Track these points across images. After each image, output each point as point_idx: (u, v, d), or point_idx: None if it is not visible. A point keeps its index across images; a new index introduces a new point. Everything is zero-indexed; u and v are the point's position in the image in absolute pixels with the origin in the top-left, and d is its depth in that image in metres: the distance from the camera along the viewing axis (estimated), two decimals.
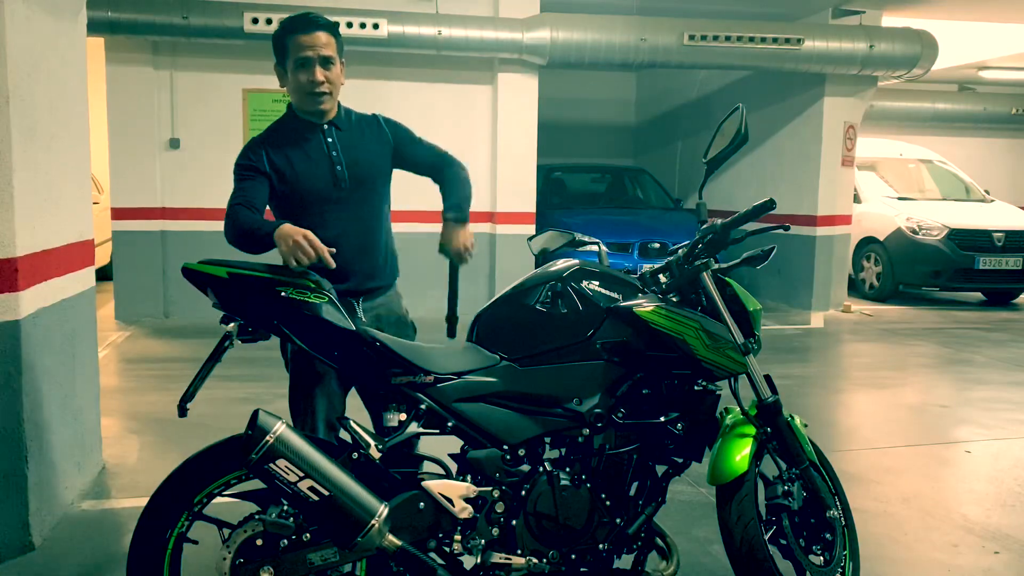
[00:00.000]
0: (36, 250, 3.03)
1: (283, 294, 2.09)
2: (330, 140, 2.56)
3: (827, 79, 8.82)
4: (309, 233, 2.19)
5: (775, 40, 8.01)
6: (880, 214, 10.02)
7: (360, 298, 2.60)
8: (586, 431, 2.32)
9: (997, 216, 9.98)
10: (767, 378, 2.44)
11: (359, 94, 8.00)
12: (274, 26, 7.08)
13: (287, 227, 2.22)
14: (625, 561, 2.41)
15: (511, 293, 2.41)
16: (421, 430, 2.23)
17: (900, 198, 10.35)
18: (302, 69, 2.48)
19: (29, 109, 2.98)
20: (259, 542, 2.08)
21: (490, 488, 2.24)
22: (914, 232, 9.59)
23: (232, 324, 2.10)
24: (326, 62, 2.49)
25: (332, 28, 2.54)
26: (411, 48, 7.57)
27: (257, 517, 2.10)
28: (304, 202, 2.52)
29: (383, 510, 2.03)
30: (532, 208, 8.32)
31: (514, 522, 2.26)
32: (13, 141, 2.83)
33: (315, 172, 2.52)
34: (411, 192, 8.04)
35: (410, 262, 7.98)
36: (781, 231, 2.63)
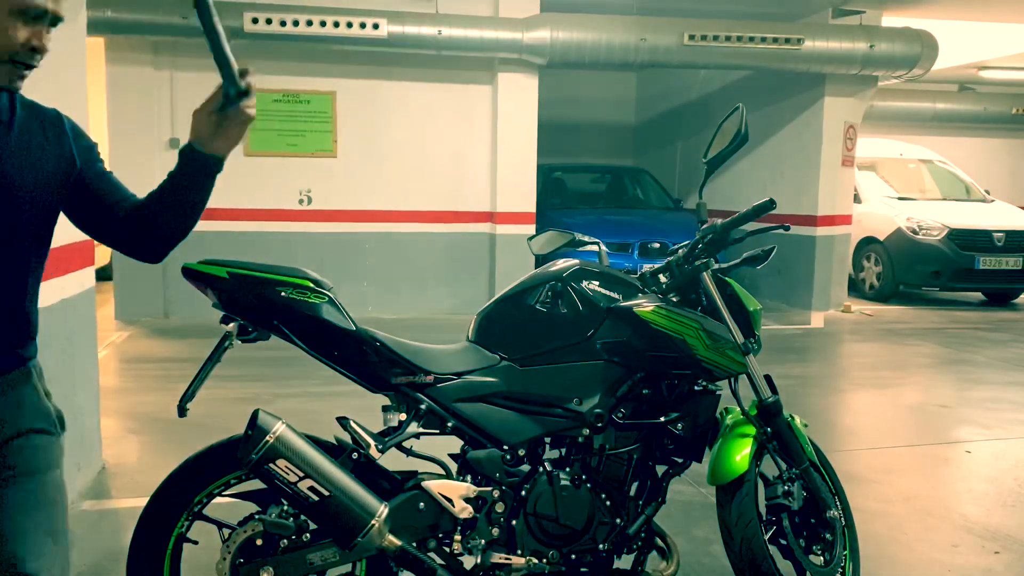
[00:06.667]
0: None
1: (283, 294, 2.09)
2: (13, 131, 1.58)
3: (827, 79, 8.82)
4: None
5: (775, 40, 8.01)
6: (880, 214, 10.02)
7: None
8: (586, 431, 2.32)
9: (997, 216, 9.98)
10: (767, 378, 2.44)
11: (359, 94, 8.07)
12: (274, 27, 7.20)
13: None
14: (625, 561, 2.41)
15: (511, 293, 2.41)
16: (421, 430, 2.23)
17: (900, 198, 10.35)
18: (25, 21, 1.50)
19: None
20: (259, 542, 2.08)
21: (490, 488, 2.24)
22: (914, 232, 9.59)
23: (232, 324, 2.10)
24: (56, 24, 1.56)
25: None
26: (411, 48, 7.57)
27: (257, 517, 2.10)
28: None
29: (383, 510, 2.03)
30: (532, 208, 8.32)
31: (514, 522, 2.26)
32: None
33: None
34: (411, 191, 8.09)
35: (410, 262, 8.04)
36: (781, 231, 2.64)
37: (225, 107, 1.60)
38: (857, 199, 9.97)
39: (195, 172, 1.69)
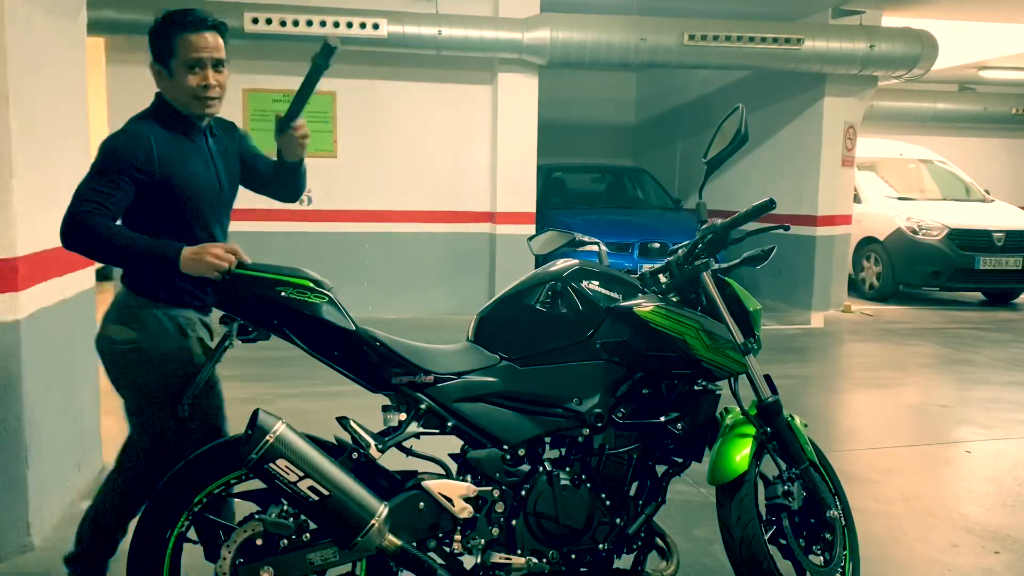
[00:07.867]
0: (36, 250, 3.03)
1: (283, 294, 2.09)
2: (212, 142, 2.44)
3: (827, 79, 8.82)
4: (216, 245, 2.13)
5: (775, 40, 8.01)
6: (880, 214, 10.02)
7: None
8: (586, 431, 2.32)
9: (997, 216, 9.97)
10: (767, 378, 2.44)
11: (359, 94, 8.07)
12: (274, 27, 7.19)
13: (189, 249, 2.11)
14: (625, 561, 2.41)
15: (511, 293, 2.41)
16: (421, 430, 2.23)
17: (900, 198, 10.35)
18: (194, 71, 2.31)
19: (29, 109, 2.97)
20: (259, 542, 2.08)
21: (490, 488, 2.24)
22: (914, 232, 9.59)
23: (232, 324, 2.10)
24: (218, 65, 2.37)
25: (222, 29, 2.41)
26: (411, 48, 7.57)
27: (257, 517, 2.10)
28: (191, 208, 2.33)
29: (383, 510, 2.03)
30: (532, 208, 8.32)
31: (514, 522, 2.26)
32: (13, 141, 2.83)
33: (205, 175, 2.37)
34: (411, 191, 8.08)
35: (410, 262, 8.04)
36: (781, 231, 2.64)
37: (279, 132, 2.44)
38: (857, 199, 9.97)
39: (281, 170, 2.56)
